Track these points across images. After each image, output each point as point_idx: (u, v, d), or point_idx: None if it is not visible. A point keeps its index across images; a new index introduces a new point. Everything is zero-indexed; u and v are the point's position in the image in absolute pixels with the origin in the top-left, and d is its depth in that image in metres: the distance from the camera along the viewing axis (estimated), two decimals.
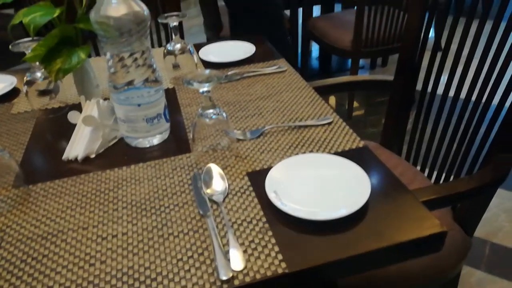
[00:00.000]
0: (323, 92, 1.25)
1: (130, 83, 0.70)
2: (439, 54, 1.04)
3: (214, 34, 2.35)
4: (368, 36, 2.01)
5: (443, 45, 1.04)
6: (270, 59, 1.11)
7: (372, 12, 1.94)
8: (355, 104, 2.45)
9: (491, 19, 0.91)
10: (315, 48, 3.09)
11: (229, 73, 1.04)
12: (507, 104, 0.89)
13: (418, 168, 1.14)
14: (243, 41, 1.19)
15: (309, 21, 2.34)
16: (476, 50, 0.94)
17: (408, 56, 1.13)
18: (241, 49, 1.15)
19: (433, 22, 1.11)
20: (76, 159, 0.74)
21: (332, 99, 2.52)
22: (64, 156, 0.74)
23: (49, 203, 0.64)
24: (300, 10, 2.40)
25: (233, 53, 1.12)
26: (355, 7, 1.97)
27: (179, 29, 1.27)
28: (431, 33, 1.07)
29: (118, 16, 0.65)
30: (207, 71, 0.65)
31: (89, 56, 1.25)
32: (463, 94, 1.00)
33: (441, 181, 1.05)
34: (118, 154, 0.75)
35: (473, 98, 0.97)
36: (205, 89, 0.64)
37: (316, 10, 2.74)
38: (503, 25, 0.89)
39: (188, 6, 4.14)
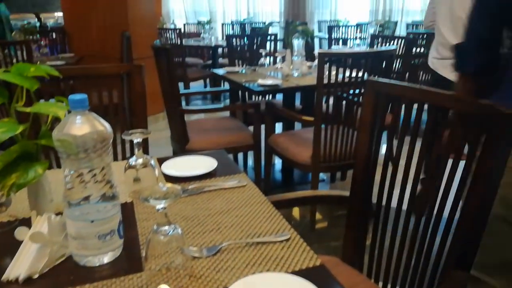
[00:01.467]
0: (285, 205, 1.28)
1: (86, 198, 0.69)
2: (390, 169, 1.12)
3: (181, 147, 2.42)
4: (326, 152, 2.14)
5: (392, 160, 1.12)
6: (231, 173, 1.14)
7: (329, 131, 2.11)
8: (318, 216, 2.48)
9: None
10: (279, 161, 3.22)
11: (190, 187, 1.06)
12: (456, 216, 0.94)
13: (380, 284, 1.12)
14: (205, 155, 1.23)
15: (272, 137, 2.48)
16: (422, 165, 1.03)
17: (361, 172, 1.20)
18: (203, 163, 1.18)
19: (383, 140, 1.21)
20: (17, 279, 0.68)
21: (296, 211, 2.55)
22: (4, 277, 0.69)
23: None
24: (263, 126, 2.56)
25: (194, 168, 1.15)
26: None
27: (144, 143, 1.31)
28: (382, 150, 1.16)
29: (81, 134, 0.67)
30: (165, 187, 0.66)
31: (50, 167, 1.25)
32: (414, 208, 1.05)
33: None
34: (64, 273, 0.70)
35: (425, 211, 1.01)
36: (162, 206, 0.64)
37: (278, 127, 2.93)
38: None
39: (157, 120, 4.32)
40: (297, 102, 3.02)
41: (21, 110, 0.75)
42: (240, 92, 3.16)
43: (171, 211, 0.93)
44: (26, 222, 0.84)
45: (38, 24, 6.55)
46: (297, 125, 2.88)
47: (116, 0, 4.17)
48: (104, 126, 0.69)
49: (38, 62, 3.57)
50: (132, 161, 1.00)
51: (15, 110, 0.76)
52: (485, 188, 0.87)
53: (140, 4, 4.29)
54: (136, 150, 1.00)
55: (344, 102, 2.13)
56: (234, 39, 3.64)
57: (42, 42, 4.38)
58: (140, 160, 1.00)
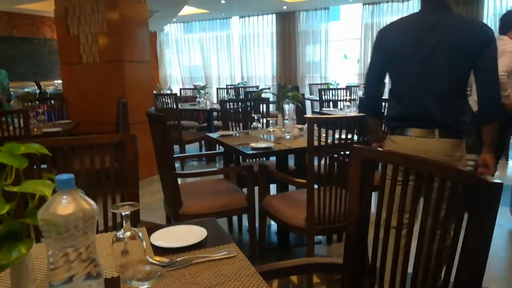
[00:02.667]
0: (278, 275, 1.25)
1: (70, 278, 0.68)
2: (382, 230, 1.11)
3: (174, 211, 2.40)
4: (320, 214, 2.13)
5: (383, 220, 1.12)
6: (221, 243, 1.13)
7: (322, 192, 2.11)
8: (316, 279, 2.41)
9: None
10: (274, 223, 3.18)
11: (178, 259, 1.04)
12: (452, 279, 0.92)
13: None
14: (195, 225, 1.22)
15: (265, 199, 2.47)
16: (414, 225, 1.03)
17: (353, 236, 1.19)
18: (193, 233, 1.17)
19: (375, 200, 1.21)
20: None
21: (293, 276, 2.47)
22: None
23: None
24: (257, 188, 2.56)
25: (183, 238, 1.13)
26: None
27: (134, 212, 1.31)
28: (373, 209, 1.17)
29: (66, 214, 0.68)
30: (148, 267, 0.65)
31: (38, 240, 1.23)
32: (410, 269, 1.04)
33: None
34: None
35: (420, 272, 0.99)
36: (145, 287, 0.63)
37: (272, 188, 2.93)
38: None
39: (151, 182, 4.31)
40: (291, 163, 3.05)
41: (8, 190, 0.76)
42: (234, 154, 3.20)
43: (157, 287, 0.91)
44: None
45: (38, 91, 6.75)
46: (292, 186, 2.88)
47: (114, 68, 4.34)
48: (90, 204, 0.70)
49: (35, 129, 3.63)
50: (120, 234, 0.99)
51: (2, 189, 0.77)
52: (475, 257, 0.86)
53: (136, 72, 4.47)
54: (124, 223, 1.00)
55: (335, 163, 2.16)
56: (227, 104, 3.75)
57: (40, 110, 4.49)
58: (128, 233, 0.99)
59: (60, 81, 6.67)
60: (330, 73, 8.68)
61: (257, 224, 2.55)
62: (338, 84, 7.01)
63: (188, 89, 8.22)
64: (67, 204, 0.69)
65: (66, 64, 4.79)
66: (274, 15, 8.96)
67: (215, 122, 5.94)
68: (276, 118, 3.13)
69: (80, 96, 4.67)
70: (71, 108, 4.83)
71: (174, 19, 8.92)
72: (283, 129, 2.88)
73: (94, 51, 4.48)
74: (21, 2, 6.91)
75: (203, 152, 6.00)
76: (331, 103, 5.60)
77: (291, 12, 8.71)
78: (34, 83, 7.40)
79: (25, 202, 0.85)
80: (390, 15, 7.70)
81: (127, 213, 0.98)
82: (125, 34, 4.30)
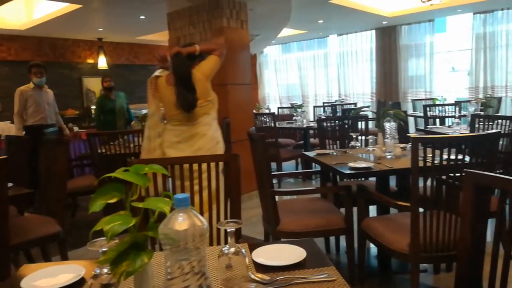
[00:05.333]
0: None
1: None
2: (500, 262, 1.01)
3: (272, 228, 2.46)
4: (426, 241, 1.98)
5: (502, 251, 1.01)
6: (320, 266, 1.13)
7: (428, 217, 1.97)
8: None
9: None
10: (374, 246, 3.04)
11: (279, 278, 1.07)
12: None
13: None
14: (295, 245, 1.25)
15: (365, 221, 2.39)
16: None
17: (466, 267, 1.09)
18: (292, 253, 1.19)
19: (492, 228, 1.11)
20: None
21: None
22: None
23: None
24: (355, 209, 2.49)
25: (283, 257, 1.16)
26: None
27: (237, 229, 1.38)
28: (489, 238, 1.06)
29: (181, 230, 0.75)
30: (253, 285, 0.69)
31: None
32: None
33: None
34: None
35: None
36: None
37: (372, 210, 2.82)
38: None
39: (251, 198, 4.46)
40: (392, 184, 2.91)
41: (134, 205, 0.87)
42: (331, 173, 3.16)
43: None
44: None
45: None
46: (393, 208, 2.74)
47: (218, 91, 4.62)
48: (202, 222, 0.77)
49: None
50: (225, 249, 1.06)
51: (130, 204, 0.89)
52: None
53: (239, 93, 4.73)
54: (229, 239, 1.06)
55: (443, 186, 2.00)
56: (325, 122, 3.74)
57: None
58: (233, 249, 1.05)
59: None
60: (436, 87, 8.11)
61: (355, 246, 2.47)
62: (445, 99, 6.51)
63: (285, 107, 8.38)
64: (182, 221, 0.76)
65: None
66: (373, 31, 8.73)
67: (312, 140, 5.95)
68: (375, 137, 3.03)
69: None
70: None
71: (273, 41, 9.23)
72: (384, 148, 2.77)
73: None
74: (141, 34, 7.83)
75: (300, 170, 6.03)
76: (437, 120, 5.21)
77: (391, 27, 8.41)
78: None
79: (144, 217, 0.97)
80: (506, 23, 6.97)
81: (232, 230, 1.04)
82: (229, 58, 4.59)
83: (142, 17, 6.15)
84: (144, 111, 7.16)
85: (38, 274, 1.15)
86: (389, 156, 2.67)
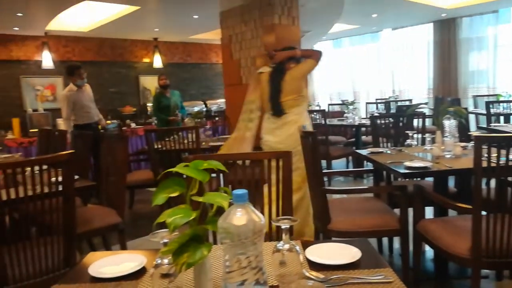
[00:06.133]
0: None
1: (242, 283, 0.77)
2: None
3: (322, 226, 2.43)
4: (489, 245, 1.87)
5: None
6: (376, 267, 1.11)
7: (491, 220, 1.85)
8: None
9: None
10: (430, 249, 2.92)
11: (333, 276, 1.06)
12: None
13: None
14: (349, 244, 1.23)
15: (421, 223, 2.30)
16: None
17: None
18: (346, 252, 1.18)
19: None
20: None
21: None
22: None
23: None
24: (410, 210, 2.40)
25: (337, 256, 1.15)
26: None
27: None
28: None
29: (240, 224, 0.77)
30: (311, 282, 0.69)
31: None
32: None
33: None
34: None
35: None
36: None
37: (428, 212, 2.70)
38: None
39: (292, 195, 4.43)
40: (450, 184, 2.78)
41: (194, 199, 0.90)
42: (384, 172, 3.07)
43: None
44: None
45: (205, 109, 7.71)
46: (452, 211, 2.61)
47: None
48: (259, 218, 0.79)
49: (204, 143, 4.16)
50: (279, 245, 1.07)
51: (190, 198, 0.92)
52: None
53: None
54: (283, 235, 1.07)
55: (510, 189, 1.88)
56: (378, 119, 3.64)
57: (207, 126, 5.12)
58: (287, 246, 1.06)
59: (223, 100, 7.50)
60: (500, 82, 7.58)
61: (410, 249, 2.39)
62: (510, 95, 6.08)
63: (336, 104, 8.24)
64: (241, 216, 0.78)
65: (228, 85, 5.37)
66: (431, 24, 8.33)
67: (363, 138, 5.81)
68: (433, 135, 2.90)
69: (240, 114, 5.15)
70: (232, 124, 5.37)
71: (324, 37, 9.10)
72: (443, 147, 2.64)
73: (252, 72, 4.91)
74: (193, 33, 8.05)
75: (350, 168, 5.91)
76: (501, 117, 4.88)
77: (451, 19, 7.97)
78: (202, 102, 8.48)
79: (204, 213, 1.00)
80: None
81: (286, 226, 1.05)
82: None
83: (195, 16, 6.31)
84: (196, 109, 7.38)
85: (103, 262, 1.23)
86: (448, 156, 2.55)
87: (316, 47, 10.45)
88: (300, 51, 3.30)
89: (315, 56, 3.22)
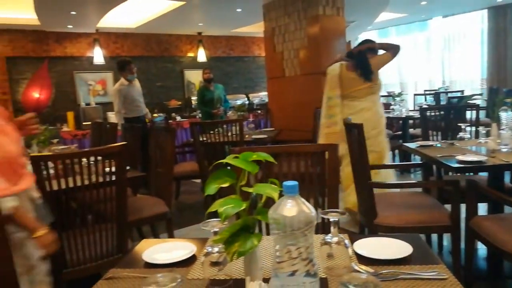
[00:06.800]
0: None
1: (293, 273, 0.78)
2: None
3: (368, 221, 2.39)
4: None
5: None
6: (428, 263, 1.07)
7: None
8: None
9: None
10: (483, 247, 2.79)
11: (383, 271, 1.04)
12: None
13: None
14: (398, 239, 1.20)
15: (475, 220, 2.20)
16: None
17: None
18: (396, 247, 1.15)
19: None
20: None
21: None
22: None
23: None
24: (462, 206, 2.30)
25: (387, 251, 1.13)
26: None
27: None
28: None
29: (290, 216, 0.78)
30: (364, 275, 0.69)
31: None
32: None
33: None
34: None
35: None
36: None
37: (481, 208, 2.58)
38: None
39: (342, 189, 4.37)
40: (507, 180, 2.62)
41: (245, 190, 0.92)
42: (434, 166, 2.96)
43: None
44: (239, 283, 0.98)
45: (247, 102, 7.76)
46: (507, 207, 2.47)
47: (312, 80, 4.63)
48: (310, 210, 0.79)
49: (247, 136, 4.19)
50: (328, 238, 1.07)
51: (240, 189, 0.94)
52: None
53: None
54: (332, 228, 1.07)
55: None
56: (428, 112, 3.50)
57: (250, 119, 5.16)
58: (336, 239, 1.05)
59: (265, 93, 7.52)
60: None
61: (461, 246, 2.29)
62: None
63: (382, 96, 7.99)
64: (291, 207, 0.79)
65: (271, 78, 5.37)
66: (485, 11, 7.85)
67: (411, 131, 5.60)
68: (488, 128, 2.74)
69: (282, 107, 5.15)
70: (274, 117, 5.38)
71: (370, 27, 8.84)
72: (499, 141, 2.50)
73: (295, 65, 4.88)
74: (236, 27, 8.10)
75: (397, 161, 5.73)
76: None
77: (507, 5, 7.47)
78: (244, 95, 8.54)
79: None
80: None
81: (335, 219, 1.05)
82: (324, 47, 4.53)
83: (238, 10, 6.35)
84: (238, 102, 7.45)
85: (155, 249, 1.29)
86: (504, 149, 2.40)
87: (361, 37, 10.19)
88: (378, 43, 3.60)
89: (393, 50, 3.50)
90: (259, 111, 5.67)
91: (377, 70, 3.50)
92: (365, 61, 3.46)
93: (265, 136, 4.25)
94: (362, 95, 3.47)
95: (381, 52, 3.55)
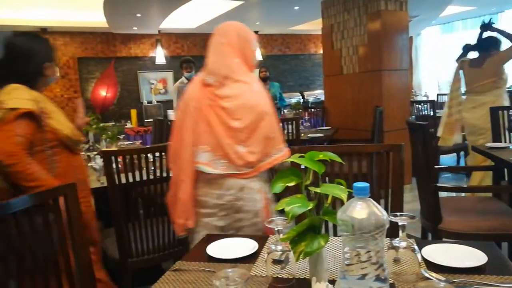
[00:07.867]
0: None
1: (362, 276, 0.76)
2: None
3: (432, 226, 2.28)
4: None
5: None
6: (505, 274, 1.00)
7: None
8: None
9: None
10: None
11: (455, 280, 0.99)
12: None
13: None
14: (470, 246, 1.13)
15: None
16: None
17: None
18: (470, 255, 1.09)
19: None
20: None
21: None
22: None
23: None
24: None
25: (459, 258, 1.07)
26: None
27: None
28: None
29: (360, 218, 0.76)
30: (441, 284, 0.66)
31: None
32: None
33: None
34: None
35: None
36: None
37: None
38: None
39: (403, 191, 4.20)
40: None
41: (312, 190, 0.92)
42: (506, 170, 2.75)
43: None
44: (301, 283, 0.98)
45: (302, 100, 7.71)
46: None
47: (372, 77, 4.49)
48: (381, 213, 0.77)
49: (303, 134, 4.17)
50: (395, 242, 1.03)
51: (306, 188, 0.94)
52: None
53: (394, 80, 4.47)
54: (400, 232, 1.03)
55: None
56: (499, 111, 3.25)
57: (306, 118, 5.11)
58: (404, 243, 1.02)
59: (320, 91, 7.41)
60: None
61: None
62: None
63: (445, 94, 7.57)
64: (361, 209, 0.77)
65: (328, 76, 5.28)
66: None
67: None
68: None
69: (339, 105, 5.05)
70: (330, 115, 5.29)
71: (434, 21, 8.40)
72: None
73: (354, 62, 4.76)
74: (293, 25, 8.06)
75: (462, 164, 5.40)
76: None
77: None
78: (299, 93, 8.49)
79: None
80: None
81: (404, 223, 1.01)
82: (385, 43, 4.37)
83: (296, 7, 6.31)
84: (293, 100, 7.40)
85: (218, 244, 1.32)
86: None
87: (423, 33, 9.71)
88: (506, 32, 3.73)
89: None
90: (313, 110, 5.60)
91: (502, 65, 3.60)
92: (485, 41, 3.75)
93: (321, 135, 4.20)
94: (486, 89, 3.59)
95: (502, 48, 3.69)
